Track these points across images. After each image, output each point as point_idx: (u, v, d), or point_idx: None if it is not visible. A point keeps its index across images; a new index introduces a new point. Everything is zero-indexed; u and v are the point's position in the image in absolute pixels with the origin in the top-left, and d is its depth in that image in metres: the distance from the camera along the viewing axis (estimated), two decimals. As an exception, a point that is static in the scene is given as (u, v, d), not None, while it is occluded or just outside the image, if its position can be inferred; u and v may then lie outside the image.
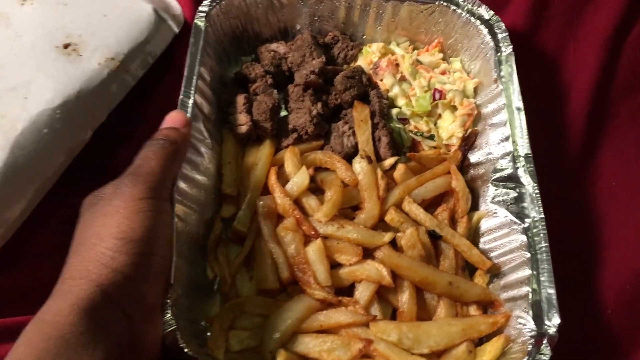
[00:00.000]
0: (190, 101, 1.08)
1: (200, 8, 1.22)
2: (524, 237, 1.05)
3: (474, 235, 1.16)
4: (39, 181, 1.08)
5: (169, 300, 0.87)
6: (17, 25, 1.16)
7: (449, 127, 1.25)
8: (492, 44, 1.27)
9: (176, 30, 1.31)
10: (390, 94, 1.29)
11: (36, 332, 0.70)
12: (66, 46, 1.15)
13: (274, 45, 1.35)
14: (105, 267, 0.76)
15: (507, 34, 1.27)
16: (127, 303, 0.78)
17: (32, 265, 1.10)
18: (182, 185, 1.00)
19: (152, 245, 0.82)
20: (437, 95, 1.28)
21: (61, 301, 0.73)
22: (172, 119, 0.98)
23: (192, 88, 1.09)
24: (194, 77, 1.11)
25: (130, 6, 1.25)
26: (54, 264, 0.80)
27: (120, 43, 1.19)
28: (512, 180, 1.13)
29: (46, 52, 1.14)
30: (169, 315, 0.86)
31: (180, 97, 1.08)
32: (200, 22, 1.20)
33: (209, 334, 0.99)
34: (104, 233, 0.79)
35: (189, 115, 1.06)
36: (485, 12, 1.30)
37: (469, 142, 1.24)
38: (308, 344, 0.95)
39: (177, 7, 1.34)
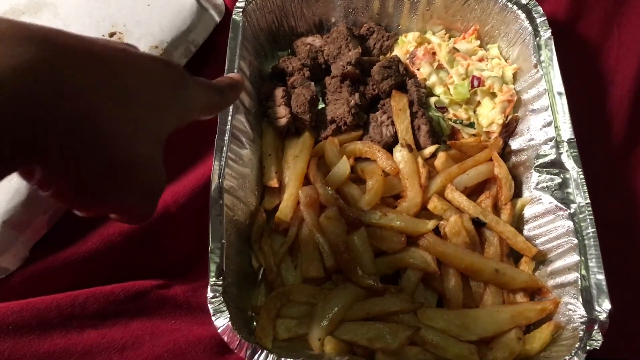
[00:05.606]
0: (232, 94, 1.10)
1: (237, 4, 1.24)
2: (570, 223, 1.03)
3: (517, 222, 1.15)
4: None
5: (220, 287, 0.89)
6: (64, 15, 1.20)
7: (489, 114, 1.23)
8: (530, 28, 1.25)
9: (217, 19, 1.32)
10: (428, 82, 1.29)
11: None
12: (112, 35, 1.18)
13: (309, 39, 1.35)
14: None
15: (545, 18, 1.25)
16: None
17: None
18: (228, 176, 1.02)
19: None
20: (476, 83, 1.26)
21: None
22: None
23: (234, 81, 1.11)
24: (235, 71, 1.13)
25: (174, -5, 1.27)
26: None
27: (163, 31, 1.22)
28: (555, 165, 1.11)
29: None
30: (221, 302, 0.88)
31: None
32: (237, 17, 1.22)
33: (255, 323, 1.01)
34: None
35: (231, 108, 1.08)
36: (522, -3, 1.28)
37: (509, 128, 1.22)
38: (355, 331, 0.95)
39: (218, -3, 1.34)
